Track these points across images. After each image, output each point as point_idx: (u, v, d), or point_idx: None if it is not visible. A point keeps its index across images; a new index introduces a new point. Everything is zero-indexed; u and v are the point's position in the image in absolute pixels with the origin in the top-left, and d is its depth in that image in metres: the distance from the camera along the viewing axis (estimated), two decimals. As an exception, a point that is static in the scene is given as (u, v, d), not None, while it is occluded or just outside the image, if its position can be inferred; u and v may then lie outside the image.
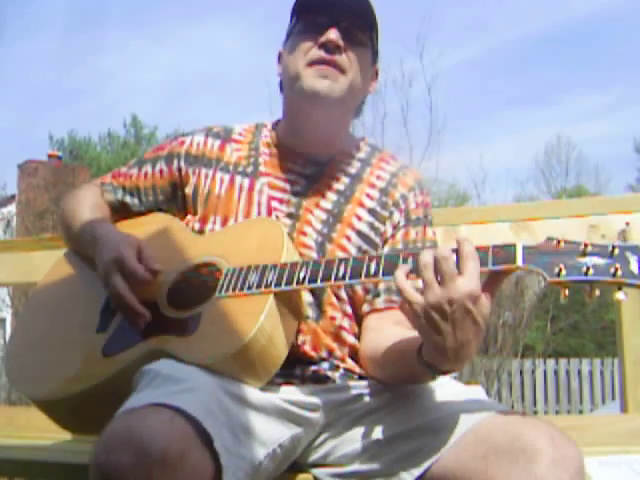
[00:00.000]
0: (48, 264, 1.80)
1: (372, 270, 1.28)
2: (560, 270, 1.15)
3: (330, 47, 1.48)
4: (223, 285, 1.40)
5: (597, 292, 1.16)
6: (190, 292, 1.44)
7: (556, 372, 10.79)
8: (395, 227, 1.57)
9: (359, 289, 1.53)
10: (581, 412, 10.28)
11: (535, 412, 10.21)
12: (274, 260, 1.38)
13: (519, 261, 1.18)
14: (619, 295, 1.15)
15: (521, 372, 10.43)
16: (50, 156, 18.33)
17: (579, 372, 10.84)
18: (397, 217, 1.57)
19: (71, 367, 1.49)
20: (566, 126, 45.62)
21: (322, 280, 1.32)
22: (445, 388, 1.42)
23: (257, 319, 1.30)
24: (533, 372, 10.67)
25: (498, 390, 9.19)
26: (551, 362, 10.82)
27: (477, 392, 1.41)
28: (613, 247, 1.16)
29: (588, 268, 1.15)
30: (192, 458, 1.11)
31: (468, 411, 1.30)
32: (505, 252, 1.20)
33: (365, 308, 1.53)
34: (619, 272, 1.13)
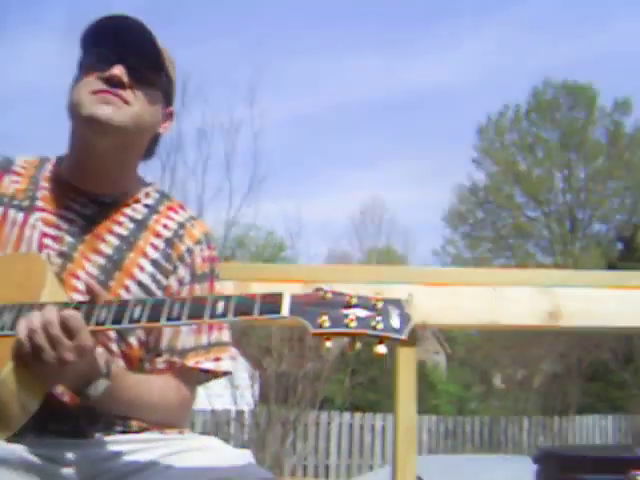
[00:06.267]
0: None
1: (136, 315, 1.23)
2: (323, 322, 1.16)
3: (114, 82, 1.44)
4: None
5: (358, 344, 1.17)
6: None
7: (351, 425, 11.08)
8: (181, 283, 1.52)
9: (135, 343, 1.46)
10: (371, 467, 10.60)
11: (327, 465, 10.40)
12: (34, 299, 1.28)
13: (285, 311, 1.18)
14: (379, 348, 1.15)
15: (317, 424, 10.61)
16: None
17: (372, 427, 11.20)
18: (182, 272, 1.52)
19: None
20: (382, 189, 48.02)
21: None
22: (213, 452, 1.39)
23: (4, 365, 1.20)
24: (329, 424, 10.89)
25: (293, 441, 9.26)
26: (347, 415, 11.11)
27: (245, 457, 1.38)
28: (377, 300, 1.18)
29: (351, 320, 1.15)
30: None
31: (231, 478, 1.27)
32: (272, 301, 1.19)
33: (146, 366, 1.48)
34: (379, 325, 1.15)
